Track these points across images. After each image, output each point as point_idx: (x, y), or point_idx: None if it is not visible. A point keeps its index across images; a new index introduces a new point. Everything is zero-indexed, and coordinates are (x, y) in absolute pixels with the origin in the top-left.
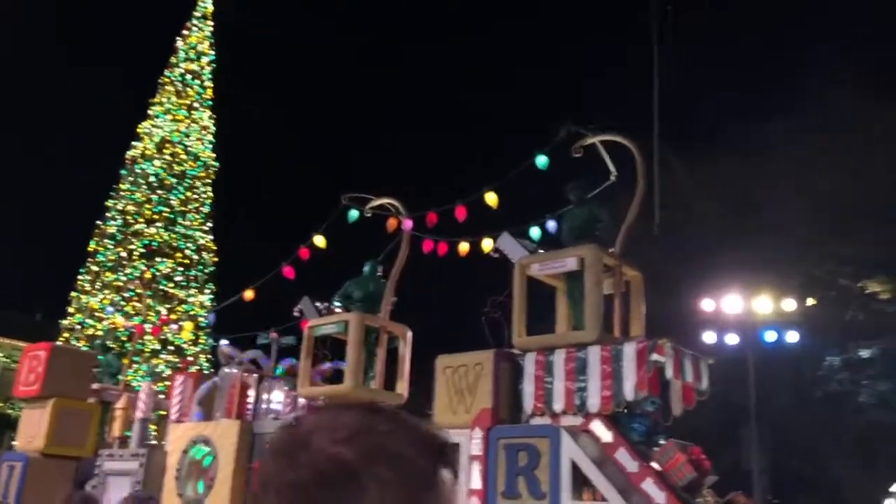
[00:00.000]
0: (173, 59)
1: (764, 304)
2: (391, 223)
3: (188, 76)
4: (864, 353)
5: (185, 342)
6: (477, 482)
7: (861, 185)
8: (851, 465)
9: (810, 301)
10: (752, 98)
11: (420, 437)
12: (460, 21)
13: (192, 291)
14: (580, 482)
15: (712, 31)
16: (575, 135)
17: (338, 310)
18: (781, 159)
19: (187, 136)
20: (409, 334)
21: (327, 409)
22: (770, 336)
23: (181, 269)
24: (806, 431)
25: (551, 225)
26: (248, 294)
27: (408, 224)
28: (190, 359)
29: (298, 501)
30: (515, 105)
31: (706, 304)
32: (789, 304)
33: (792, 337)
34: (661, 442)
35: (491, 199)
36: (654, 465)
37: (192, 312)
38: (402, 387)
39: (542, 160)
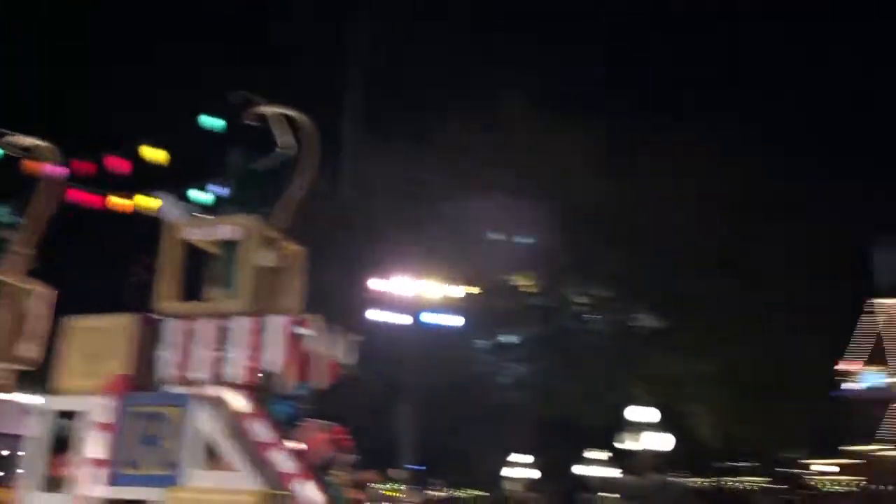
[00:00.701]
0: None
1: (431, 288)
2: (30, 165)
3: None
4: (509, 339)
5: None
6: (99, 451)
7: (524, 189)
8: (485, 439)
9: (472, 290)
10: (442, 97)
11: None
12: None
13: None
14: (211, 452)
15: (424, 29)
16: (248, 102)
17: None
18: (461, 158)
19: None
20: (45, 291)
21: None
22: (432, 318)
23: None
24: (455, 408)
25: (219, 191)
26: None
27: (54, 170)
28: None
29: None
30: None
31: (377, 284)
32: (455, 291)
33: (453, 321)
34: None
35: (154, 154)
36: (295, 444)
37: None
38: (33, 348)
39: (210, 121)
